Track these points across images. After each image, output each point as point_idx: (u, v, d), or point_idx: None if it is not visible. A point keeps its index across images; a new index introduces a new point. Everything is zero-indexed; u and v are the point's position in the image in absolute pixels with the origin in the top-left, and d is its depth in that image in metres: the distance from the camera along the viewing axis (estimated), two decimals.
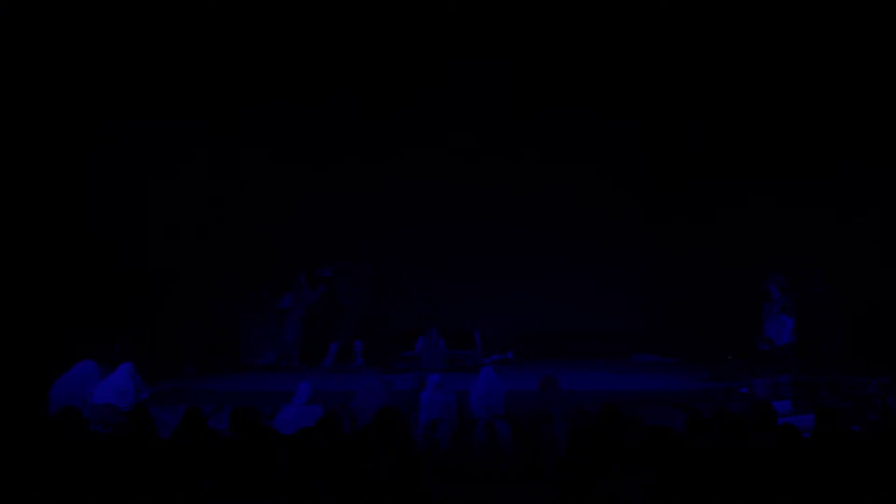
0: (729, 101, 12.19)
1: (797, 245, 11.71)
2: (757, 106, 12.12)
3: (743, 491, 5.10)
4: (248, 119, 12.98)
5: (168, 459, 5.48)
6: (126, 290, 11.78)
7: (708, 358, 11.20)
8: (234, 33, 11.88)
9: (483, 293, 13.43)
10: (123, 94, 11.91)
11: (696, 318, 12.07)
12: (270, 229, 12.87)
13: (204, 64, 12.25)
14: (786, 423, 6.00)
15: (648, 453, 5.34)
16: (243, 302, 12.02)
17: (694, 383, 10.41)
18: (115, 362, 9.21)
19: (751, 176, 12.01)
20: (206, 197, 12.51)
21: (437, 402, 8.27)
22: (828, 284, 11.45)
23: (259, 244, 12.79)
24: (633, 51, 12.06)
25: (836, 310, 10.92)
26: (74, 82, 11.74)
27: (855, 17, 11.10)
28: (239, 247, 12.84)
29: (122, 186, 12.01)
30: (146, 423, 6.08)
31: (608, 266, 13.37)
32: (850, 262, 11.63)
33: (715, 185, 12.18)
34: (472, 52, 12.00)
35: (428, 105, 13.01)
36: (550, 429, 8.10)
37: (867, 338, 11.31)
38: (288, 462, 5.42)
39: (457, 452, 7.87)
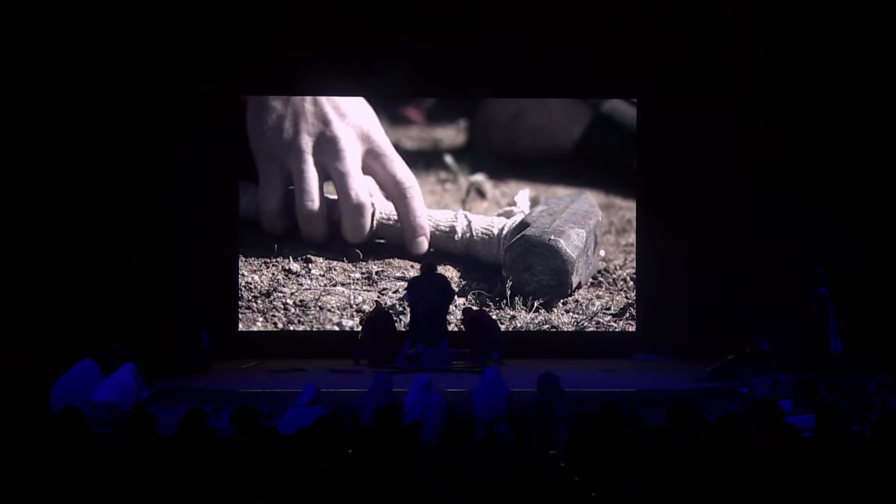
0: (728, 98, 12.16)
1: (798, 244, 11.71)
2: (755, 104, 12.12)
3: (743, 491, 5.11)
4: None
5: (168, 459, 5.48)
6: (126, 291, 11.78)
7: (708, 358, 11.18)
8: None
9: None
10: (125, 92, 11.91)
11: (697, 319, 12.06)
12: None
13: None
14: (786, 423, 6.01)
15: (648, 453, 5.34)
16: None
17: (694, 383, 10.41)
18: (115, 362, 9.20)
19: (750, 175, 12.00)
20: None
21: (420, 402, 8.18)
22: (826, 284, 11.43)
23: None
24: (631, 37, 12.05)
25: (837, 309, 10.89)
26: (74, 80, 11.76)
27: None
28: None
29: (123, 186, 12.01)
30: (146, 423, 6.08)
31: None
32: (850, 262, 11.64)
33: (716, 184, 12.17)
34: None
35: None
36: (550, 429, 8.09)
37: (867, 338, 11.32)
38: (287, 462, 5.41)
39: (453, 453, 7.84)
